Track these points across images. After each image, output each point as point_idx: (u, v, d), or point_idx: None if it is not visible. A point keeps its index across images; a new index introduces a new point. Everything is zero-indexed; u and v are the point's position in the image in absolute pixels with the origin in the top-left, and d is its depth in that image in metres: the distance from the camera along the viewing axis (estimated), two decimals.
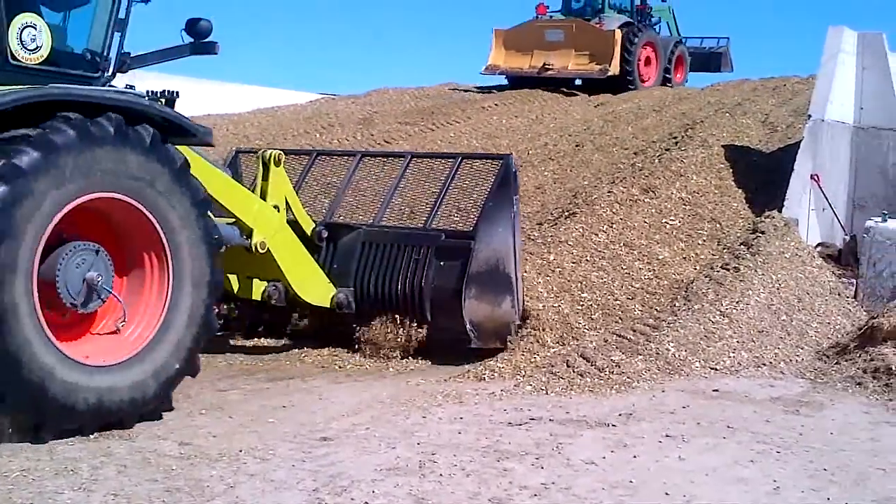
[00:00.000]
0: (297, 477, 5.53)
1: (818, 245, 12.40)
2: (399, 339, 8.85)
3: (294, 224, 8.93)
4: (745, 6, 73.88)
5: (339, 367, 8.57)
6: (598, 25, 23.69)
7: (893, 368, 7.86)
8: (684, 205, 12.61)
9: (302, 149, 11.86)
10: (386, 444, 6.20)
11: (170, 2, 8.53)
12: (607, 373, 7.85)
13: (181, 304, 6.82)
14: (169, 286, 6.78)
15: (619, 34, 23.23)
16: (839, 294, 10.47)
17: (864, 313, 10.17)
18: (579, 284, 10.17)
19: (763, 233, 10.97)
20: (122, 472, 5.49)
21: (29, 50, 6.71)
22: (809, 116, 13.14)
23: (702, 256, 11.37)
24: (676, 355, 8.23)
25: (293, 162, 10.04)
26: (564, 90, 22.98)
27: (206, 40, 7.82)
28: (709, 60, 27.40)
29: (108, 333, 6.79)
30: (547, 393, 7.53)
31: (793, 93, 19.48)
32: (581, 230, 11.10)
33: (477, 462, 5.88)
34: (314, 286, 8.95)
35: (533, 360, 8.50)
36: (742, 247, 10.74)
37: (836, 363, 8.51)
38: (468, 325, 8.65)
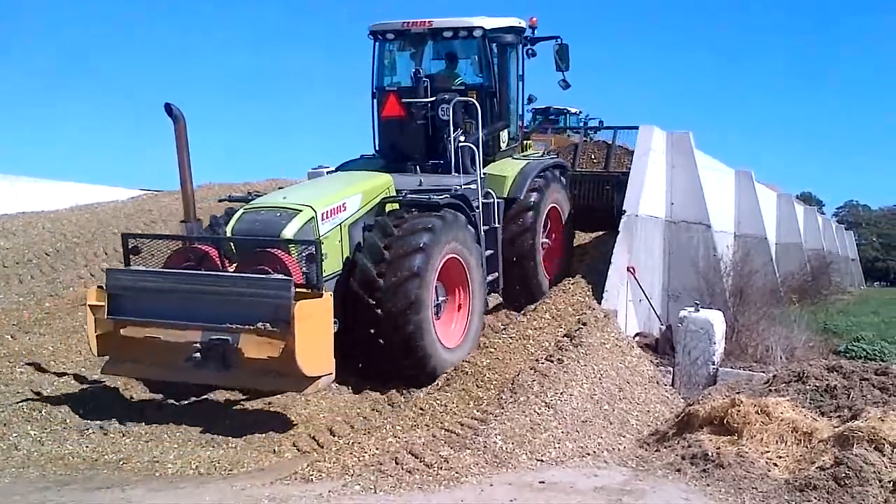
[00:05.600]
0: None
1: (636, 335, 12.82)
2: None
3: None
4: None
5: (160, 474, 8.22)
6: (569, 138, 28.48)
7: (710, 454, 8.12)
8: None
9: None
10: None
11: None
12: (436, 468, 7.80)
13: None
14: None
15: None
16: (658, 382, 10.82)
17: (682, 400, 10.54)
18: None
19: (585, 324, 11.26)
20: None
21: (504, 142, 13.94)
22: (624, 211, 13.65)
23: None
24: (503, 448, 8.28)
25: None
26: None
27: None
28: None
29: None
30: (375, 492, 7.41)
31: None
32: None
33: None
34: None
35: (362, 458, 8.39)
36: (565, 338, 10.99)
37: (657, 450, 8.74)
38: None
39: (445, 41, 13.43)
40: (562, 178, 14.56)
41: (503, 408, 9.10)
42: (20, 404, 9.93)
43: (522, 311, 13.03)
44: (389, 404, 10.23)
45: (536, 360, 10.48)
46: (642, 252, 13.87)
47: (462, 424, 9.01)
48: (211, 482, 7.94)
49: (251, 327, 8.89)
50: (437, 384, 10.66)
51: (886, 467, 7.44)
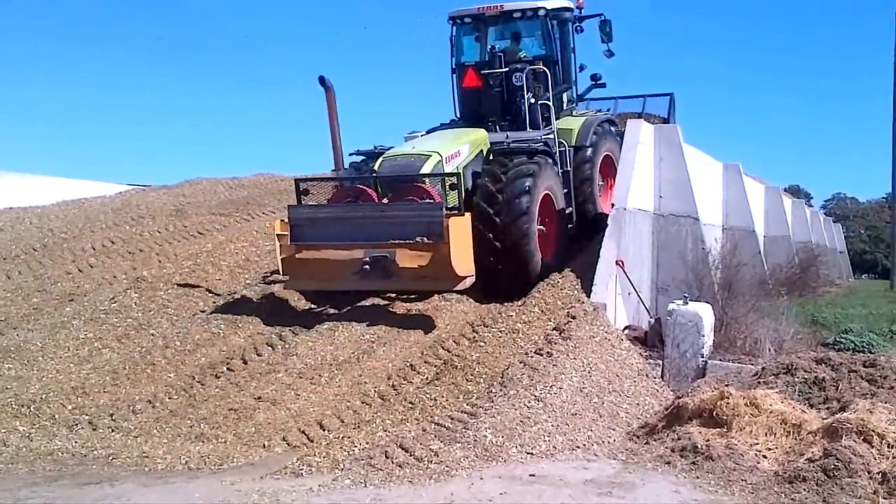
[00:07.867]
0: None
1: (625, 328, 12.82)
2: None
3: None
4: None
5: (150, 470, 8.21)
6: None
7: (699, 446, 8.14)
8: None
9: None
10: None
11: None
12: (426, 462, 7.81)
13: None
14: None
15: None
16: (647, 375, 10.82)
17: (671, 393, 10.53)
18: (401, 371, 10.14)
19: (574, 318, 11.25)
20: None
21: (565, 103, 16.20)
22: (613, 205, 13.65)
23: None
24: (494, 441, 8.29)
25: None
26: None
27: (600, 81, 16.54)
28: None
29: None
30: (366, 486, 7.42)
31: None
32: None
33: None
34: None
35: (352, 452, 8.39)
36: (555, 332, 10.98)
37: (646, 443, 8.75)
38: None
39: (513, 21, 15.69)
40: (612, 130, 16.91)
41: (493, 401, 9.11)
42: (8, 400, 9.90)
43: (511, 305, 13.03)
44: (379, 398, 10.22)
45: (526, 354, 10.47)
46: (631, 245, 13.87)
47: (452, 418, 9.00)
48: (201, 477, 7.94)
49: (409, 242, 11.65)
50: (427, 378, 10.66)
51: (875, 458, 7.47)
